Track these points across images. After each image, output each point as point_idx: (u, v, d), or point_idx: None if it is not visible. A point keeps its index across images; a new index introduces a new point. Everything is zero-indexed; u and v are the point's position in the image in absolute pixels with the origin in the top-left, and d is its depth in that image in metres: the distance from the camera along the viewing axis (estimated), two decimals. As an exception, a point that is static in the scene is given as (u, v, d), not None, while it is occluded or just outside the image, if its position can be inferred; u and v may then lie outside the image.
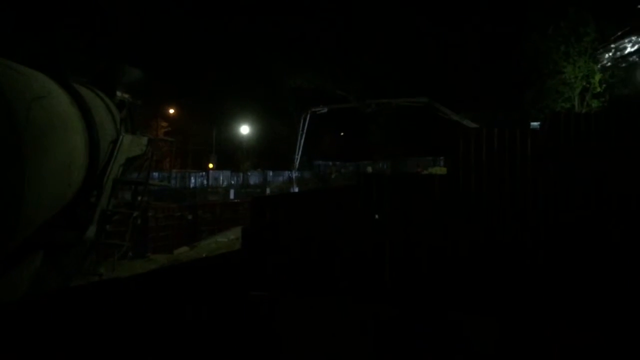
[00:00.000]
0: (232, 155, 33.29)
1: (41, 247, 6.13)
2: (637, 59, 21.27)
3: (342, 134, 41.51)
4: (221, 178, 30.10)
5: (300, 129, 28.11)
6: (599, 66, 21.14)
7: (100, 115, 7.15)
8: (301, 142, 28.73)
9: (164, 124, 33.30)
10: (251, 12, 30.35)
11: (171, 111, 33.99)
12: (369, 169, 31.70)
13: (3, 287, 5.54)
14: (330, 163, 35.15)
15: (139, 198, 8.24)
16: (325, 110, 29.78)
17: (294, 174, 29.47)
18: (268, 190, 28.95)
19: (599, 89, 20.45)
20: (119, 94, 8.47)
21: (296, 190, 28.27)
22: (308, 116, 28.21)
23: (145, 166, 8.49)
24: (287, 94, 32.91)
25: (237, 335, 5.99)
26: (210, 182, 29.38)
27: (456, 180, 6.44)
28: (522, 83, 25.74)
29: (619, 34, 21.25)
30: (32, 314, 5.18)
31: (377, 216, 6.28)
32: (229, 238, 10.99)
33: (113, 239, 7.33)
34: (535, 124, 24.04)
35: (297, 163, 29.01)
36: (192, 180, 28.75)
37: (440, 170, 17.79)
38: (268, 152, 34.68)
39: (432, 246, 6.22)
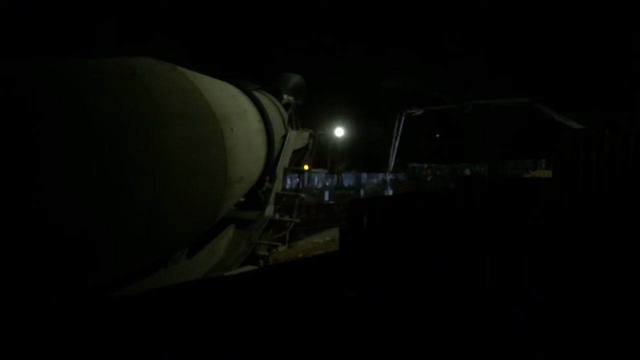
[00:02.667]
0: (326, 156, 33.64)
1: (233, 223, 7.87)
2: None
3: (437, 135, 40.82)
4: (316, 179, 30.49)
5: (395, 131, 27.98)
6: None
7: (273, 116, 8.77)
8: (396, 144, 28.57)
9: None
10: (344, 13, 30.55)
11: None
12: (467, 172, 30.95)
13: (207, 251, 7.31)
14: (425, 165, 34.68)
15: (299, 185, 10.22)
16: (421, 112, 29.43)
17: (389, 176, 29.37)
18: (362, 192, 28.99)
19: None
20: (284, 96, 10.04)
21: (390, 192, 28.16)
22: (403, 118, 28.02)
23: (306, 156, 10.18)
24: (382, 95, 32.84)
25: (333, 335, 6.10)
26: (305, 184, 29.86)
27: (562, 185, 6.17)
28: (633, 80, 24.19)
29: None
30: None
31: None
32: (325, 239, 11.19)
33: (284, 216, 8.97)
34: (647, 124, 22.51)
35: (391, 165, 28.88)
36: (288, 182, 29.29)
37: (542, 173, 17.08)
38: (363, 154, 34.71)
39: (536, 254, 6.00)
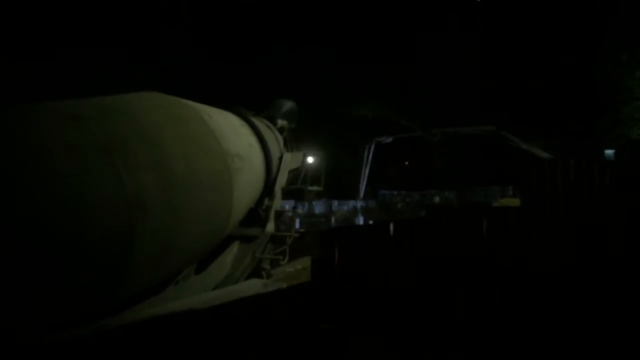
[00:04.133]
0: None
1: (237, 239, 8.46)
2: None
3: (406, 163, 41.28)
4: (287, 207, 30.29)
5: (365, 159, 28.27)
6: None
7: (270, 140, 9.46)
8: (366, 171, 28.83)
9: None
10: (314, 42, 30.87)
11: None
12: (437, 199, 31.25)
13: (215, 267, 7.92)
14: (395, 192, 34.95)
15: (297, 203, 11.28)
16: (390, 139, 29.79)
17: (359, 204, 29.46)
18: (333, 220, 28.95)
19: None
20: (279, 121, 10.77)
21: (361, 219, 28.27)
22: (373, 146, 28.36)
23: (301, 176, 10.73)
24: (352, 123, 33.14)
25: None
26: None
27: (530, 213, 6.28)
28: (594, 111, 24.94)
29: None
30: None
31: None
32: (296, 268, 11.21)
33: (283, 232, 9.60)
34: (609, 152, 23.18)
35: (362, 192, 29.07)
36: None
37: (511, 201, 17.36)
38: (332, 181, 34.76)
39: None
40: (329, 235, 7.03)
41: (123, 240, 5.51)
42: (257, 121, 9.65)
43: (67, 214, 5.18)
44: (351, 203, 31.65)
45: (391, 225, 6.83)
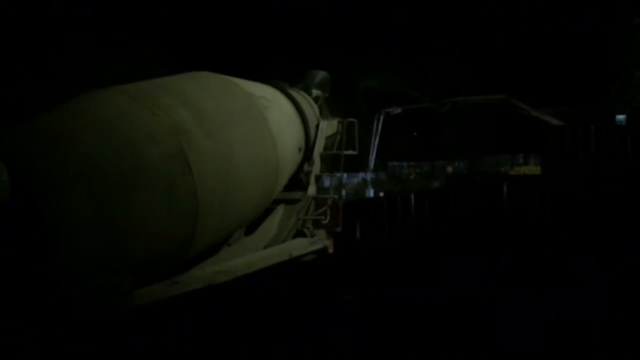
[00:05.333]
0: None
1: (282, 202, 9.10)
2: None
3: (415, 134, 41.08)
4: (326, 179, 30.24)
5: (374, 130, 28.13)
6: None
7: (306, 109, 10.06)
8: (375, 143, 28.71)
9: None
10: (323, 13, 30.54)
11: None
12: (449, 170, 31.08)
13: (263, 228, 8.53)
14: (405, 164, 34.84)
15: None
16: (399, 110, 29.61)
17: (369, 176, 29.42)
18: (344, 193, 28.95)
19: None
20: (313, 91, 11.25)
21: (371, 192, 28.28)
22: (381, 117, 28.20)
23: (337, 141, 11.16)
24: (361, 96, 32.92)
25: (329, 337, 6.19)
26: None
27: (552, 180, 6.27)
28: (606, 76, 24.62)
29: None
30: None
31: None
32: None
33: (322, 194, 10.13)
34: (621, 117, 22.96)
35: (372, 164, 28.99)
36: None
37: (528, 169, 17.28)
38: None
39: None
40: (349, 208, 7.07)
41: (191, 208, 6.30)
42: (293, 92, 10.33)
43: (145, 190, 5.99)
44: (361, 175, 31.62)
45: (412, 198, 6.86)
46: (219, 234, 7.46)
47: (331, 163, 11.93)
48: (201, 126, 7.08)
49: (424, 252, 6.37)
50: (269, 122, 8.52)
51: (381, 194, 27.74)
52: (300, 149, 10.01)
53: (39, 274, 5.13)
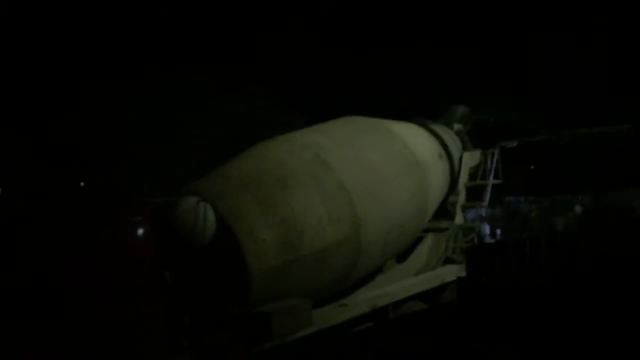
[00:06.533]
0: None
1: (430, 231, 10.09)
2: None
3: (532, 167, 39.36)
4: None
5: (489, 164, 27.26)
6: None
7: (450, 144, 11.15)
8: (490, 177, 27.78)
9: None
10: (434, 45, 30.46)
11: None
12: (578, 209, 29.25)
13: (414, 256, 9.43)
14: (522, 198, 33.37)
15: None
16: (515, 144, 28.59)
17: (484, 211, 28.41)
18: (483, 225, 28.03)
19: None
20: (455, 125, 12.42)
21: (487, 228, 27.20)
22: (497, 151, 27.32)
23: (479, 172, 12.48)
24: (472, 128, 32.15)
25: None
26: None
27: None
28: None
29: None
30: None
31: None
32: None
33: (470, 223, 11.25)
34: None
35: (487, 199, 28.02)
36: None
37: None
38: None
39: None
40: (474, 252, 7.18)
41: (354, 246, 7.59)
42: (437, 128, 11.17)
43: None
44: (474, 211, 30.59)
45: (542, 241, 6.57)
46: (377, 264, 8.52)
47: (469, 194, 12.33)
48: (360, 164, 8.48)
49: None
50: (419, 161, 9.37)
51: (498, 231, 26.69)
52: (445, 181, 10.73)
53: (240, 295, 6.78)
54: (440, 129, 11.46)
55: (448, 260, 10.24)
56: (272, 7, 26.12)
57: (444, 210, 10.67)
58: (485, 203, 11.50)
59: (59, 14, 21.77)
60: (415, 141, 10.01)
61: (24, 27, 21.44)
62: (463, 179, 11.33)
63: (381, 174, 8.64)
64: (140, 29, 22.44)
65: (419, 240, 10.27)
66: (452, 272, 9.52)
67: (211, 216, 6.12)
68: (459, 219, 10.63)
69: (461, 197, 11.09)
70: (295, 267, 6.98)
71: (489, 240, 21.14)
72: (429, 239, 10.09)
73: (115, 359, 5.62)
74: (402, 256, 9.79)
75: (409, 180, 9.01)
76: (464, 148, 12.46)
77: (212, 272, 6.64)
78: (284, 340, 6.64)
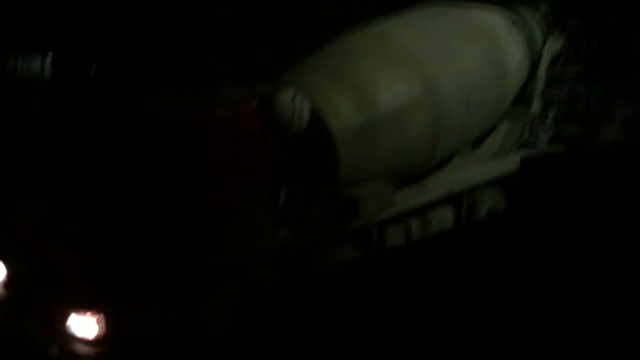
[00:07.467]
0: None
1: (506, 117, 9.75)
2: None
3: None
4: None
5: (573, 50, 25.25)
6: None
7: (534, 27, 10.57)
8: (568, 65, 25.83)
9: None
10: None
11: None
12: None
13: (489, 141, 9.61)
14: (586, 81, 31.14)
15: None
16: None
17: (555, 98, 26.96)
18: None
19: None
20: (542, 6, 11.34)
21: (550, 117, 25.88)
22: (583, 36, 25.13)
23: (561, 59, 11.30)
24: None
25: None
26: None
27: None
28: None
29: None
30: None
31: None
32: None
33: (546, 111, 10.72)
34: None
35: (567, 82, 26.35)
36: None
37: None
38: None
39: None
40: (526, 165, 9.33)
41: (434, 128, 7.90)
42: (521, 9, 10.83)
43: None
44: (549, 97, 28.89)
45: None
46: (456, 145, 8.74)
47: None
48: (441, 50, 8.33)
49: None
50: (500, 45, 9.30)
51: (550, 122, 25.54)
52: (525, 65, 10.19)
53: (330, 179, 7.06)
54: (523, 10, 10.84)
55: (524, 145, 10.34)
56: None
57: (523, 97, 10.22)
58: (561, 92, 10.96)
59: None
60: (498, 27, 9.66)
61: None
62: (543, 65, 10.56)
63: (446, 37, 8.73)
64: None
65: (495, 125, 9.82)
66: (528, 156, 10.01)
67: (307, 106, 6.59)
68: (535, 106, 10.25)
69: (540, 83, 10.45)
70: (374, 131, 7.44)
71: (548, 130, 20.43)
72: (505, 124, 10.01)
73: (232, 233, 6.07)
74: (477, 143, 9.75)
75: (479, 44, 9.06)
76: (549, 31, 11.23)
77: (305, 156, 6.94)
78: (369, 220, 7.35)
